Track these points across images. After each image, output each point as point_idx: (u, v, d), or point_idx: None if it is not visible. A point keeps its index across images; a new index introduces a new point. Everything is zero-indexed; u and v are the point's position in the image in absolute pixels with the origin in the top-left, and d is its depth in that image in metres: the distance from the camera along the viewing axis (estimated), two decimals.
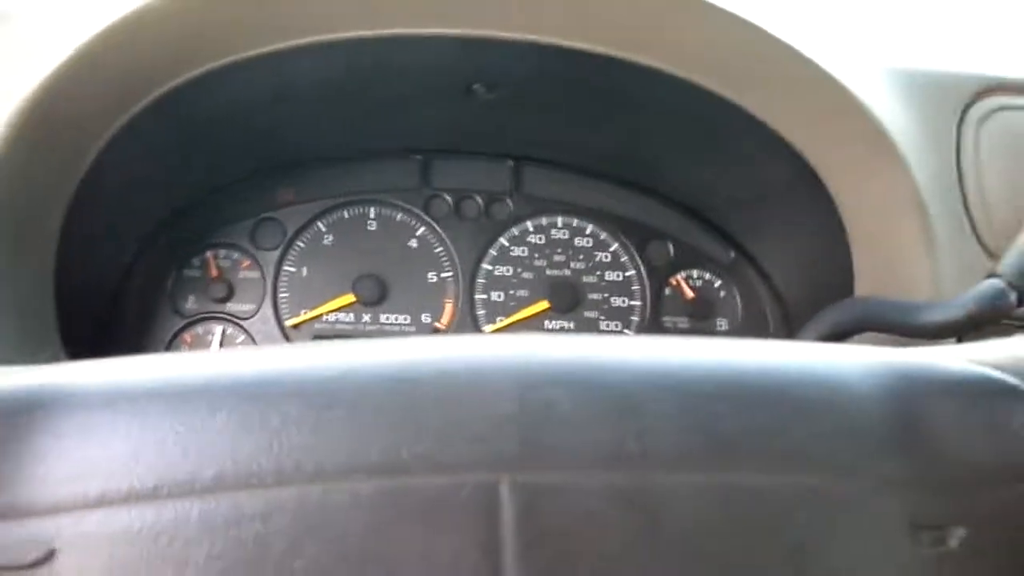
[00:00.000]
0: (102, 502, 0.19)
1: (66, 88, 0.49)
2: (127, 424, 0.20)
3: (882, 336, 0.50)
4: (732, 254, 0.72)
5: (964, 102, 0.54)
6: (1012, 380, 0.23)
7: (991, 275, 0.41)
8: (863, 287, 0.56)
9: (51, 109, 0.49)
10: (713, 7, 0.50)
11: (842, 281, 0.57)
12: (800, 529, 0.21)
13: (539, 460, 0.20)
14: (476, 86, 0.59)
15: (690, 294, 0.71)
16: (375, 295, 0.68)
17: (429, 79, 0.60)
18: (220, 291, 0.68)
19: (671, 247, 0.72)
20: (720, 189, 0.68)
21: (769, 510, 0.21)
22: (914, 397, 0.22)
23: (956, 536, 0.21)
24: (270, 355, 0.22)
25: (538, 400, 0.21)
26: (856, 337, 0.51)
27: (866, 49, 0.55)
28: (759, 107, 0.54)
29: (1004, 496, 0.21)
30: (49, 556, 0.19)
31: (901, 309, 0.46)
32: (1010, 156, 0.54)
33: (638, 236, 0.72)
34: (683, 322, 0.71)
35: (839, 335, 0.49)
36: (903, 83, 0.54)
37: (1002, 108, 0.54)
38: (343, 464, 0.20)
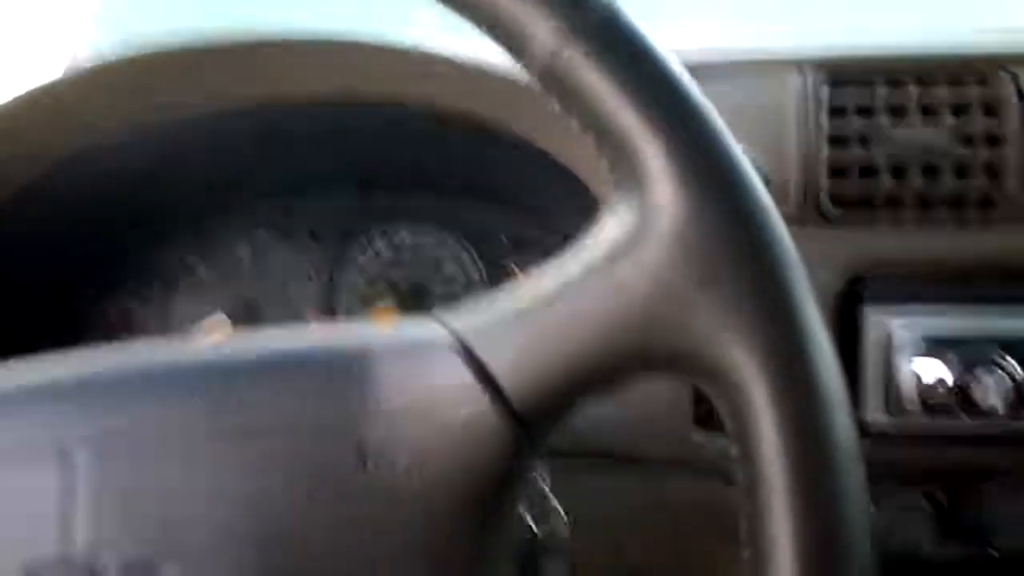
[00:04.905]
0: None
1: None
2: None
3: None
4: None
5: None
6: (450, 336, 0.28)
7: None
8: None
9: None
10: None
11: None
12: (269, 468, 0.27)
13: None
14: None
15: None
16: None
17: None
18: None
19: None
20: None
21: (259, 454, 0.28)
22: (370, 354, 0.28)
23: (401, 462, 0.28)
24: None
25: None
26: None
27: None
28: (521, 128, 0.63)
29: (435, 423, 0.29)
30: None
31: None
32: None
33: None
34: None
35: None
36: None
37: None
38: None
